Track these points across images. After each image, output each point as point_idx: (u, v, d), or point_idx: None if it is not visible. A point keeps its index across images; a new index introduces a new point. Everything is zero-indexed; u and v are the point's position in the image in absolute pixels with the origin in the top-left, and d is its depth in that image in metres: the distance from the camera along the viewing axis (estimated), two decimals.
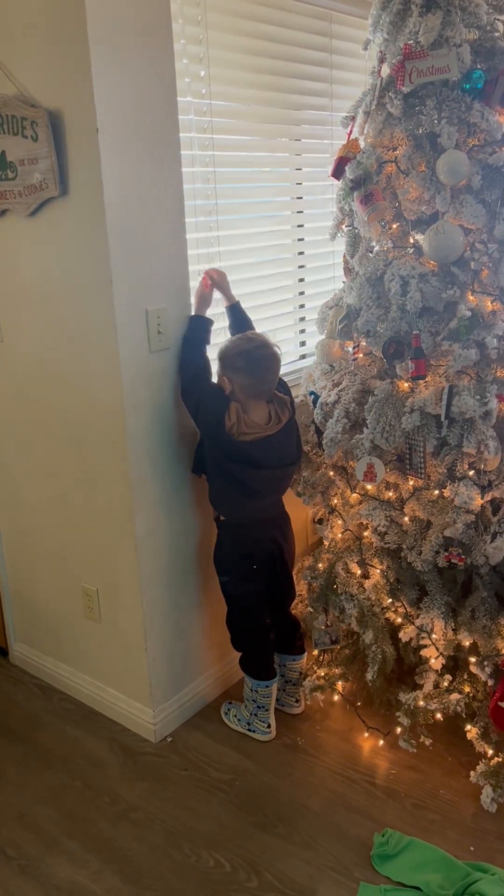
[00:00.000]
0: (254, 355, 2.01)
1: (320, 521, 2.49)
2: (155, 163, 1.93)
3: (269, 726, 2.23)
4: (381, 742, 2.19)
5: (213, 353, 2.12)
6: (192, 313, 2.12)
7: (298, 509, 2.47)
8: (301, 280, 2.82)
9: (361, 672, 2.27)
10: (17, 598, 2.60)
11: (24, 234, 2.04)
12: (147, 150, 1.90)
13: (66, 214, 1.91)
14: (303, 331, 2.87)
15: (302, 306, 2.85)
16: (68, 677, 2.49)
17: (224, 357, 2.05)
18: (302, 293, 2.85)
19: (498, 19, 1.99)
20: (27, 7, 1.80)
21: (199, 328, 2.11)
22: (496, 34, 1.98)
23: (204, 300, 2.14)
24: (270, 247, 2.63)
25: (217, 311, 2.23)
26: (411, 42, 1.92)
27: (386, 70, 2.02)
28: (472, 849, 1.84)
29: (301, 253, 2.77)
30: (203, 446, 2.10)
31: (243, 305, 2.24)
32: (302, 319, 2.86)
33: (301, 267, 2.80)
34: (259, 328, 2.24)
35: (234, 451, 2.01)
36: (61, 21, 1.74)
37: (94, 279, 1.91)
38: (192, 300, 2.13)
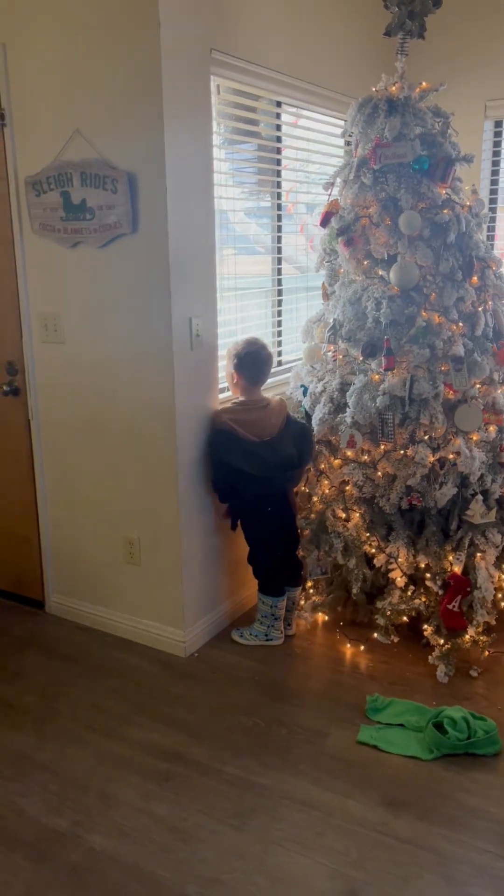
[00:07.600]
0: (260, 355, 2.81)
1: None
2: (198, 210, 2.64)
3: (281, 632, 2.93)
4: (361, 647, 2.91)
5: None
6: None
7: None
8: (279, 303, 3.57)
9: (343, 600, 2.99)
10: (58, 553, 3.16)
11: (95, 261, 2.69)
12: (194, 201, 2.61)
13: (135, 247, 2.58)
14: (279, 343, 3.62)
15: (279, 323, 3.59)
16: (106, 616, 3.07)
17: (236, 356, 2.78)
18: (279, 312, 3.59)
19: (436, 122, 2.83)
20: (113, 92, 2.47)
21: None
22: (435, 131, 2.82)
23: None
24: (259, 278, 3.38)
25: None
26: (379, 135, 2.73)
27: (361, 152, 2.82)
28: (434, 703, 2.57)
29: (279, 286, 3.53)
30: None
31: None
32: (279, 334, 3.60)
33: (279, 297, 3.55)
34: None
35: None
36: (143, 105, 2.42)
37: (155, 294, 2.58)
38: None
